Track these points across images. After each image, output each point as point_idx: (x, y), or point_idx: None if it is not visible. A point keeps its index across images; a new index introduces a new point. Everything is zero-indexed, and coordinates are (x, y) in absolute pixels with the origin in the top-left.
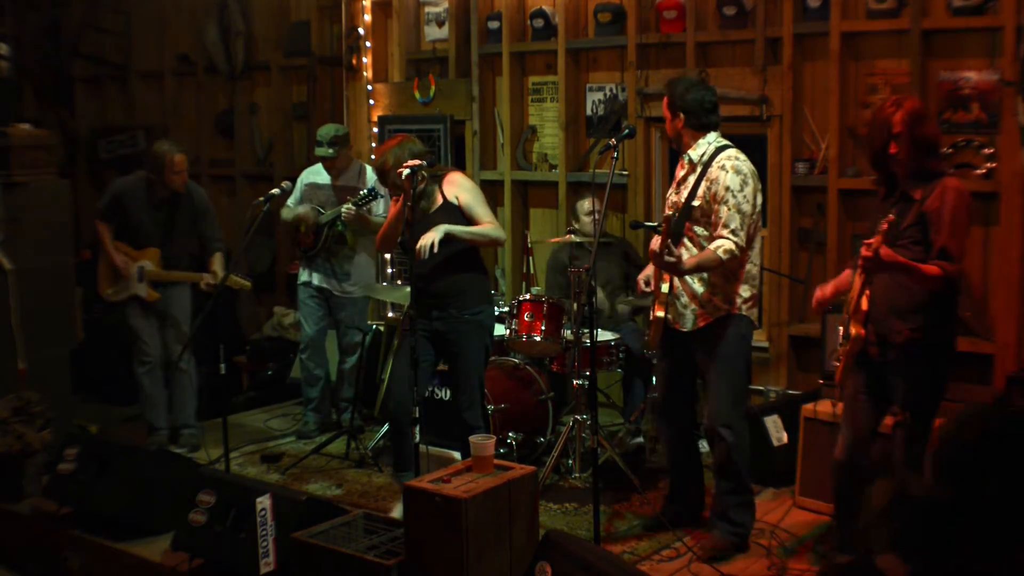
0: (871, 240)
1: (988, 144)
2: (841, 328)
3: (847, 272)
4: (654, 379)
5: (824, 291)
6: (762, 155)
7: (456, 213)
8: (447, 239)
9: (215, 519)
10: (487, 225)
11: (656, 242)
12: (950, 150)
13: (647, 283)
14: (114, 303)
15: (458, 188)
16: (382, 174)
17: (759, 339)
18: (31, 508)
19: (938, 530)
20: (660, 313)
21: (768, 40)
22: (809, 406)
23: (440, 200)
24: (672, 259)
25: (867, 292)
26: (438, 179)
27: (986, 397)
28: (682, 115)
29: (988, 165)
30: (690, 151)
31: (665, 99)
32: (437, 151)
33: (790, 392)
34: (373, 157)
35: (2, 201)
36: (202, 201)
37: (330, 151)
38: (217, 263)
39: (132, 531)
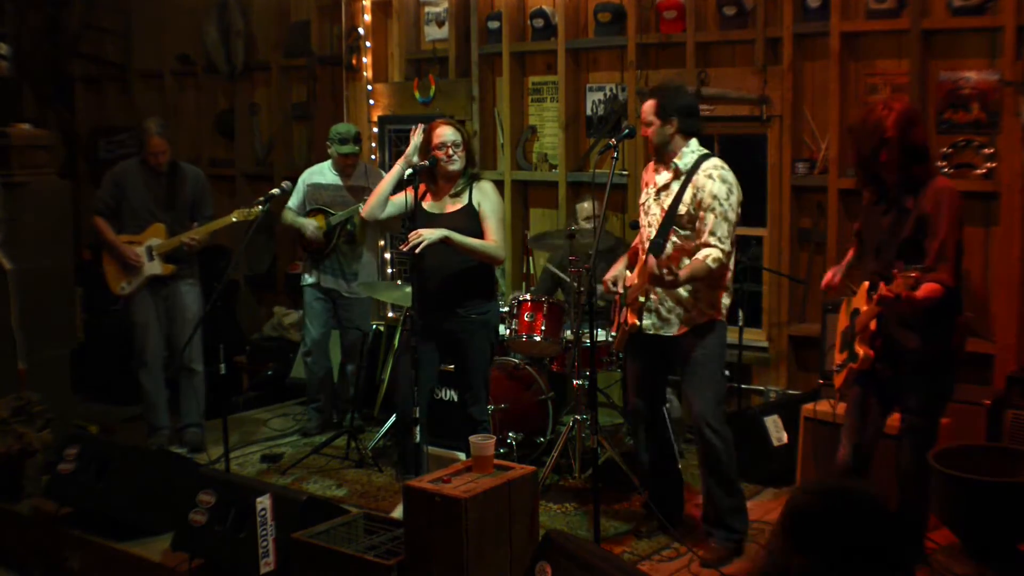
0: (898, 282)
1: (988, 144)
2: (836, 342)
3: (851, 252)
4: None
5: (834, 277)
6: (762, 155)
7: (474, 218)
8: (444, 242)
9: (215, 519)
10: (491, 242)
11: (652, 263)
12: (950, 150)
13: (615, 283)
14: (127, 296)
15: (484, 196)
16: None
17: (759, 339)
18: (31, 508)
19: None
20: (635, 322)
21: (768, 40)
22: (809, 406)
23: (465, 203)
24: (672, 278)
25: (876, 315)
26: (475, 179)
27: (986, 397)
28: (675, 120)
29: (988, 165)
30: (676, 159)
31: (652, 103)
32: None
33: (790, 392)
34: (373, 157)
35: (2, 201)
36: (197, 177)
37: (356, 148)
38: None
39: (132, 531)
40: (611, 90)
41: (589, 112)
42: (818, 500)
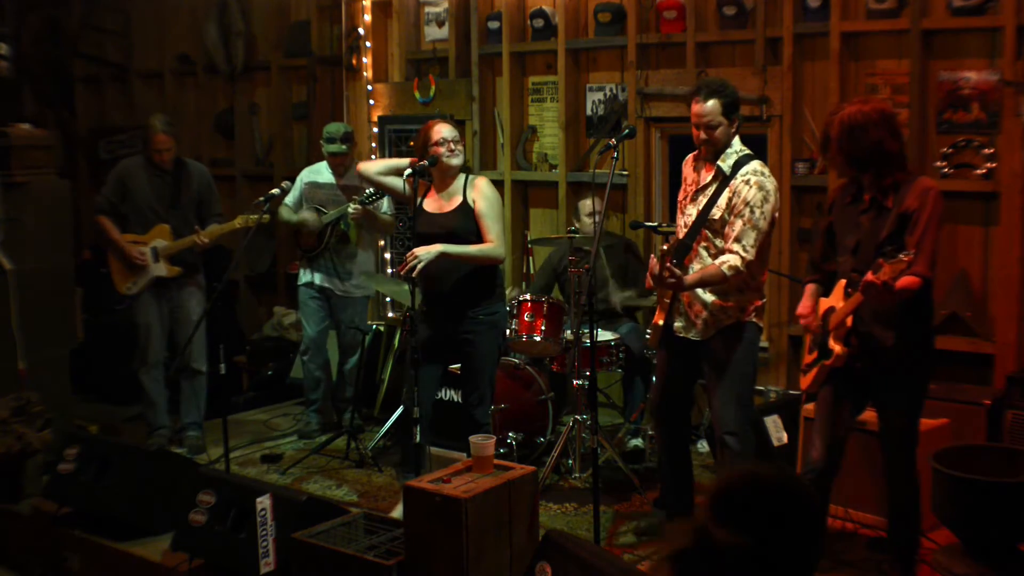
0: (885, 270)
1: (988, 144)
2: (807, 339)
3: (810, 287)
4: (653, 379)
5: (809, 315)
6: (762, 155)
7: (470, 217)
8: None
9: (215, 519)
10: (488, 244)
11: (654, 264)
12: (950, 150)
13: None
14: (132, 296)
15: (479, 194)
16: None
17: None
18: (31, 508)
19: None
20: (661, 321)
21: (768, 40)
22: (809, 406)
23: (460, 200)
24: (672, 280)
25: (855, 309)
26: (467, 174)
27: (986, 397)
28: (737, 119)
29: (988, 165)
30: (720, 161)
31: (716, 103)
32: None
33: (790, 392)
34: (373, 157)
35: (2, 201)
36: (202, 175)
37: (343, 147)
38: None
39: (132, 531)
40: (611, 90)
41: (589, 112)
42: (744, 478)
